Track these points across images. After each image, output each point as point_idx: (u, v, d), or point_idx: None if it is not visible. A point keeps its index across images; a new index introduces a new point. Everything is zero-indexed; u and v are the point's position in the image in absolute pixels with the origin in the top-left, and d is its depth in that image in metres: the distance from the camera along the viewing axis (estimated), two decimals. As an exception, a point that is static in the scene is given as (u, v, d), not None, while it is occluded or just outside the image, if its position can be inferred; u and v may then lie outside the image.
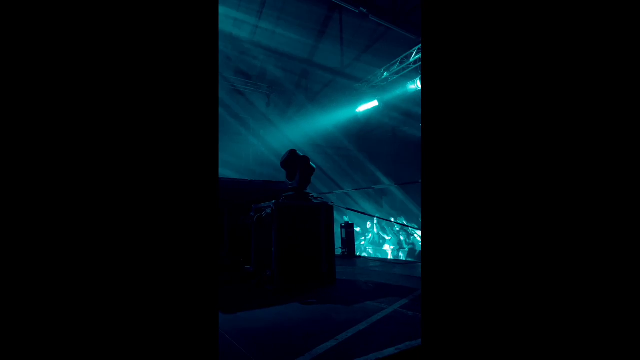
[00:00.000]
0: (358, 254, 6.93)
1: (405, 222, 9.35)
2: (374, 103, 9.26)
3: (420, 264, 5.24)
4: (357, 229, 11.22)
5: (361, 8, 7.38)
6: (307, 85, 10.79)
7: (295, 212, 3.44)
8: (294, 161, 3.79)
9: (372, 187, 9.08)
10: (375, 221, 10.73)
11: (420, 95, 8.72)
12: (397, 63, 8.44)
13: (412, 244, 10.66)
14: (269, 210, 3.35)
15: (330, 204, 3.77)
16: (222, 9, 7.68)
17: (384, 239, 11.07)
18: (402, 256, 10.11)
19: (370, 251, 10.81)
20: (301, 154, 3.84)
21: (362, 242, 11.21)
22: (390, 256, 10.17)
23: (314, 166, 3.84)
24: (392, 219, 10.86)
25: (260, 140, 10.94)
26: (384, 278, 3.86)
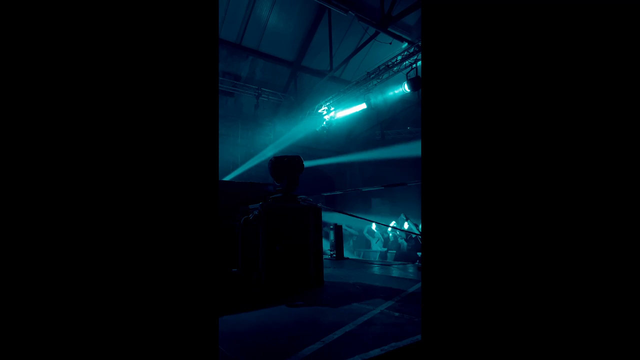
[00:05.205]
0: (346, 255, 6.94)
1: (394, 224, 9.41)
2: (362, 106, 9.31)
3: (406, 265, 5.28)
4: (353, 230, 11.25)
5: (350, 12, 7.43)
6: (296, 87, 10.78)
7: (283, 214, 3.43)
8: (281, 164, 3.78)
9: (360, 189, 9.11)
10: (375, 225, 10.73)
11: (406, 97, 8.80)
12: (385, 66, 8.52)
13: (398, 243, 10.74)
14: (256, 212, 3.34)
15: (318, 205, 3.77)
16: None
17: (371, 240, 11.12)
18: (389, 257, 10.17)
19: (358, 253, 10.83)
20: (289, 155, 3.84)
21: (350, 245, 11.24)
22: (377, 258, 10.21)
23: (304, 164, 3.84)
24: (376, 222, 10.91)
25: (248, 141, 10.88)
26: (370, 280, 3.88)
